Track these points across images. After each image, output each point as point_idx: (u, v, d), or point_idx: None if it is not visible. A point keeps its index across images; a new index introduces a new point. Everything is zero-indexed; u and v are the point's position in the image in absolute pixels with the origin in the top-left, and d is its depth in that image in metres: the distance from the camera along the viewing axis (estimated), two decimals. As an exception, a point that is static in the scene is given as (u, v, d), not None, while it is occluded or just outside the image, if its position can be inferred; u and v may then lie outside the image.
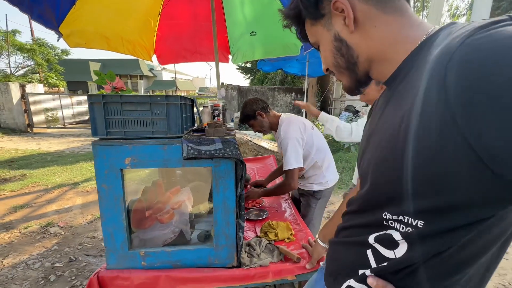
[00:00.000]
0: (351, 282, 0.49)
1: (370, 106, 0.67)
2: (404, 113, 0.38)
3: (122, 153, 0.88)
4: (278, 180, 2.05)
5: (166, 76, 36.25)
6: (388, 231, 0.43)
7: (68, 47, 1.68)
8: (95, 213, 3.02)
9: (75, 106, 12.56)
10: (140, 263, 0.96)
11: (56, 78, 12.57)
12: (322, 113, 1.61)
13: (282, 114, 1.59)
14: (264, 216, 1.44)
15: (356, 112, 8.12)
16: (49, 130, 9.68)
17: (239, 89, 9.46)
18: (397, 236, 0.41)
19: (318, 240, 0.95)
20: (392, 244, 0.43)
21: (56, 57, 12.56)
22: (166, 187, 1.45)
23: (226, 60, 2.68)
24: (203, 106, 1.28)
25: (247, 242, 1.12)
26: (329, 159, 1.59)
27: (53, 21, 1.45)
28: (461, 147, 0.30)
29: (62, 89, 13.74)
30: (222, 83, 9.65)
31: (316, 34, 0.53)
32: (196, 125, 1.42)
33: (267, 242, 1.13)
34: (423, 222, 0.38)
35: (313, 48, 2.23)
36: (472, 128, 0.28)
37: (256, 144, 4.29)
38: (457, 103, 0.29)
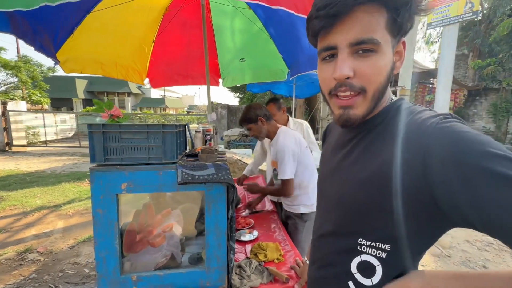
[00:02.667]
0: None
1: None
2: (382, 163, 0.47)
3: (118, 179, 0.92)
4: (267, 201, 2.10)
5: (155, 93, 36.21)
6: (365, 257, 0.50)
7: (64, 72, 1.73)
8: (78, 237, 2.90)
9: (59, 124, 12.25)
10: (131, 288, 0.97)
11: (40, 95, 12.30)
12: None
13: (282, 126, 1.67)
14: (254, 237, 1.48)
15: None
16: (29, 149, 9.30)
17: (228, 108, 9.64)
18: (374, 261, 0.49)
19: (307, 261, 1.00)
20: (370, 271, 0.50)
21: (42, 74, 12.38)
22: (156, 209, 1.47)
23: (217, 84, 2.81)
24: (196, 131, 1.35)
25: (237, 264, 1.15)
26: (316, 182, 1.66)
27: (52, 49, 1.51)
28: (426, 195, 0.41)
29: (45, 106, 13.41)
30: (212, 102, 9.83)
31: (382, 40, 0.45)
32: (188, 148, 1.48)
33: (257, 263, 1.16)
34: (389, 246, 0.48)
35: (299, 74, 2.41)
36: (438, 189, 0.40)
37: (245, 163, 4.34)
38: (433, 175, 0.40)
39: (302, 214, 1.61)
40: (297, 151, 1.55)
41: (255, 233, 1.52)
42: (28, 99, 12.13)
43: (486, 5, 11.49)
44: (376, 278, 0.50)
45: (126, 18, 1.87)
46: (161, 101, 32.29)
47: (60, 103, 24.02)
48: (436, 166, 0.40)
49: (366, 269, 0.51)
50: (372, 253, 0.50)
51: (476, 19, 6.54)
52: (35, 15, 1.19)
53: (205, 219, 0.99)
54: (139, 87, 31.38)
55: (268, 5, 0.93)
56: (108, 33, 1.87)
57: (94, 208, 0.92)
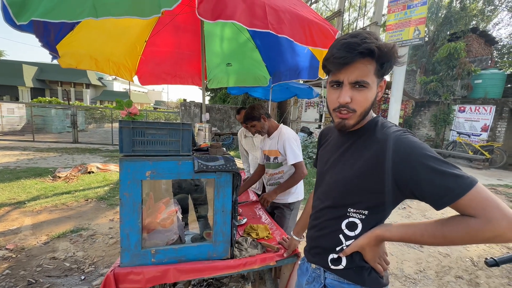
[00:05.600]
0: (333, 255, 0.82)
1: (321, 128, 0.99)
2: (366, 159, 0.74)
3: (143, 167, 1.09)
4: (250, 192, 2.36)
5: (118, 87, 33.77)
6: (351, 219, 0.79)
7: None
8: (51, 233, 2.81)
9: (5, 115, 10.89)
10: (150, 260, 1.14)
11: (-19, 81, 10.80)
12: None
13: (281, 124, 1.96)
14: (244, 221, 1.72)
15: (310, 133, 9.07)
16: (-31, 142, 8.16)
17: (201, 106, 9.63)
18: (357, 221, 0.78)
19: (293, 236, 1.28)
20: (354, 226, 0.79)
21: (-15, 58, 10.87)
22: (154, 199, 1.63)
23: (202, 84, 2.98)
24: (198, 130, 1.55)
25: (235, 240, 1.38)
26: None
27: (54, 45, 1.57)
28: (392, 180, 0.69)
29: (-12, 94, 11.77)
30: (185, 100, 9.71)
31: (371, 81, 0.71)
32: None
33: (251, 239, 1.41)
34: (367, 211, 0.77)
35: (280, 82, 2.71)
36: (398, 175, 0.68)
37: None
38: (396, 168, 0.68)
39: (289, 203, 1.89)
40: (299, 143, 1.83)
41: (244, 219, 1.76)
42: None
43: (431, 28, 13.33)
44: (358, 231, 0.79)
45: (123, 18, 1.96)
46: (124, 95, 30.17)
47: (2, 91, 21.03)
48: (397, 161, 0.68)
49: (351, 226, 0.79)
50: (356, 216, 0.78)
51: (422, 44, 7.62)
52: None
53: (214, 201, 1.21)
54: (100, 79, 28.93)
55: (276, 33, 1.18)
56: (105, 31, 1.94)
57: (121, 192, 1.07)
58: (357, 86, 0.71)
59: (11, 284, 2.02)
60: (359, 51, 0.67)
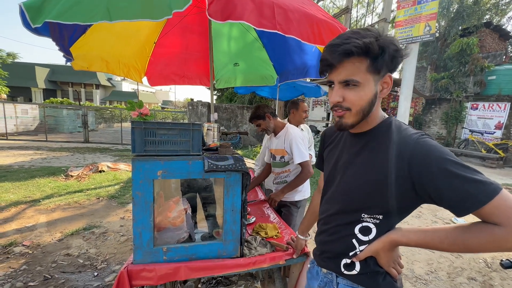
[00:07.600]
0: (346, 260, 0.80)
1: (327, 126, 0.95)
2: (381, 163, 0.71)
3: (155, 167, 1.11)
4: (259, 191, 2.37)
5: (126, 87, 34.31)
6: (365, 224, 0.77)
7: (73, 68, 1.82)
8: (65, 230, 2.90)
9: (19, 115, 11.25)
10: (162, 258, 1.16)
11: (-3, 84, 11.21)
12: None
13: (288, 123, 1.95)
14: (252, 220, 1.73)
15: (317, 132, 9.01)
16: (-14, 142, 8.47)
17: (209, 106, 9.69)
18: (371, 226, 0.76)
19: (299, 236, 1.28)
20: (368, 231, 0.77)
21: (0, 61, 11.26)
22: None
23: (210, 84, 3.00)
24: (208, 129, 1.56)
25: (245, 239, 1.39)
26: None
27: (67, 48, 1.61)
28: (409, 185, 0.67)
29: (4, 95, 12.19)
30: (192, 100, 9.79)
31: (364, 78, 0.69)
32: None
33: (261, 238, 1.42)
34: (382, 216, 0.74)
35: (287, 81, 2.71)
36: (416, 180, 0.65)
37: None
38: (413, 172, 0.65)
39: (296, 201, 1.90)
40: (305, 142, 1.83)
41: (253, 218, 1.77)
42: (-18, 86, 10.97)
43: (442, 23, 12.99)
44: (372, 235, 0.76)
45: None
46: (132, 95, 30.69)
47: (17, 92, 21.69)
48: (415, 165, 0.65)
49: (365, 231, 0.77)
50: (370, 221, 0.76)
51: (433, 40, 7.46)
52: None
53: (223, 201, 1.22)
54: (109, 79, 29.46)
55: (283, 34, 1.18)
56: (115, 33, 1.98)
57: (134, 191, 1.10)
58: (348, 85, 0.71)
59: (28, 279, 2.10)
60: (339, 53, 0.68)
